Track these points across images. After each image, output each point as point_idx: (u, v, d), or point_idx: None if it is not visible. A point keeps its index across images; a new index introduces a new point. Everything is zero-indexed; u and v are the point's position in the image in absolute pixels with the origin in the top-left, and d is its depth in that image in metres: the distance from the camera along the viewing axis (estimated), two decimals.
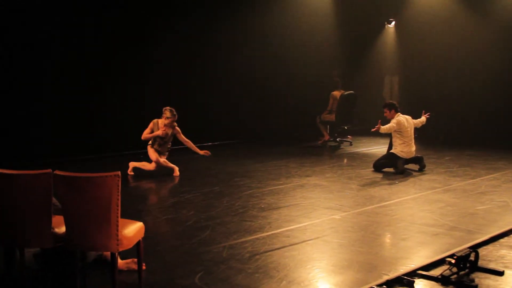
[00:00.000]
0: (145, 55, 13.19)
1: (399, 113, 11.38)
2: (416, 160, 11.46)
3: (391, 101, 12.16)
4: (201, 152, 10.47)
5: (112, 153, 12.61)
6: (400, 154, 11.23)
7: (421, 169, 11.36)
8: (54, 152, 11.43)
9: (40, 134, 11.56)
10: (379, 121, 11.10)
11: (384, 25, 18.91)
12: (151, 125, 10.35)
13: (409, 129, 11.33)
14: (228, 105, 15.07)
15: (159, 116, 10.36)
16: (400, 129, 11.21)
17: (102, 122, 12.55)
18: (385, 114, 11.54)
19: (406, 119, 11.35)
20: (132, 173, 10.59)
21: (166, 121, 10.20)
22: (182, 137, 10.52)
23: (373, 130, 10.95)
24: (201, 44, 14.28)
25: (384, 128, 11.02)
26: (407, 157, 11.30)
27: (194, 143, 10.79)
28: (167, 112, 10.14)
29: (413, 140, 11.43)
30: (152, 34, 13.28)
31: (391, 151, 11.43)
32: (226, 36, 14.84)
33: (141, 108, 13.13)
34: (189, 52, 14.06)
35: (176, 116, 10.26)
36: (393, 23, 18.70)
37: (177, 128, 10.45)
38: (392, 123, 11.18)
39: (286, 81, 16.46)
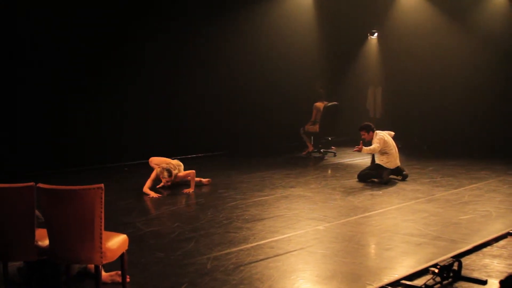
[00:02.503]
0: (126, 68, 13.16)
1: (376, 131, 11.46)
2: (398, 171, 11.50)
3: (366, 122, 12.06)
4: (190, 189, 10.26)
5: (96, 165, 12.57)
6: (386, 165, 11.28)
7: (404, 179, 11.41)
8: (37, 165, 11.39)
9: (23, 146, 11.50)
10: (361, 142, 11.19)
11: (367, 36, 18.99)
12: (154, 176, 10.12)
13: (390, 142, 11.40)
14: (212, 117, 15.06)
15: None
16: (384, 147, 11.29)
17: (85, 134, 12.51)
18: (362, 137, 11.62)
19: (384, 134, 11.44)
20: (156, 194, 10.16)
21: (164, 181, 10.13)
22: (188, 175, 10.40)
23: (354, 150, 11.08)
24: (184, 57, 14.28)
25: (367, 149, 11.14)
26: (392, 168, 11.35)
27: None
28: (164, 173, 10.01)
29: (397, 152, 11.50)
30: (134, 47, 13.28)
31: (377, 162, 11.48)
32: (209, 49, 14.86)
33: (124, 120, 13.14)
34: (172, 66, 14.05)
35: (173, 175, 10.12)
36: (376, 34, 18.79)
37: (179, 175, 10.34)
38: (376, 144, 11.25)
39: (269, 92, 16.46)
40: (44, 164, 11.58)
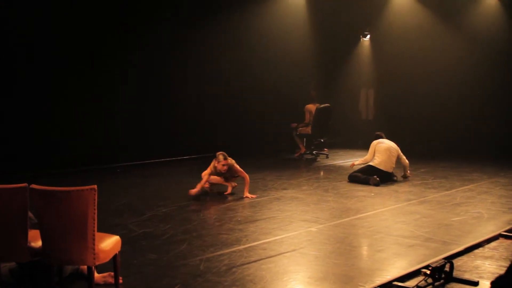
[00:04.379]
0: (120, 69, 13.15)
1: (378, 140, 11.81)
2: (389, 176, 11.54)
3: (377, 132, 12.32)
4: (247, 195, 9.96)
5: (89, 167, 12.54)
6: (377, 166, 11.34)
7: (395, 180, 11.51)
8: (30, 166, 11.36)
9: (16, 147, 11.47)
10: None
11: (359, 38, 19.01)
12: (211, 167, 9.98)
13: (382, 147, 11.52)
14: (204, 119, 15.06)
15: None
16: (376, 151, 11.62)
17: (78, 136, 12.49)
18: None
19: (380, 142, 11.77)
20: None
21: (220, 165, 9.84)
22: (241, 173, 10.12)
23: (351, 165, 11.90)
24: (177, 58, 14.27)
25: (359, 162, 11.81)
26: (384, 169, 11.39)
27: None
28: (220, 156, 9.83)
29: (392, 157, 11.53)
30: (129, 48, 13.25)
31: (370, 163, 11.54)
32: (203, 51, 14.86)
33: (118, 122, 13.12)
34: (165, 67, 14.04)
35: (228, 159, 9.93)
36: (368, 36, 18.82)
37: (235, 166, 10.06)
38: (368, 154, 11.73)
39: (262, 94, 16.46)
40: (37, 165, 11.54)
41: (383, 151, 11.52)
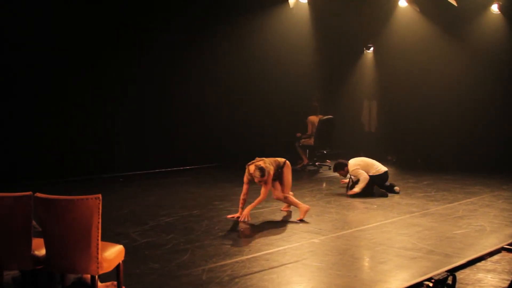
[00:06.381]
0: (122, 79, 13.18)
1: (349, 164, 11.57)
2: (390, 186, 11.55)
3: (337, 162, 12.03)
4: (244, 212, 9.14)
5: (91, 176, 12.54)
6: (376, 173, 11.36)
7: (395, 191, 11.50)
8: (32, 174, 11.37)
9: (19, 156, 11.48)
10: (346, 187, 11.61)
11: (363, 50, 19.04)
12: (246, 178, 9.18)
13: (364, 162, 11.59)
14: (207, 129, 15.07)
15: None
16: (365, 169, 11.43)
17: (81, 144, 12.50)
18: (340, 175, 12.02)
19: (356, 161, 11.62)
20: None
21: (256, 180, 9.03)
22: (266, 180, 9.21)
23: (348, 194, 11.32)
24: (179, 69, 14.28)
25: (358, 189, 11.23)
26: (382, 168, 11.44)
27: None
28: (256, 172, 8.91)
29: (370, 159, 11.62)
30: (129, 58, 13.26)
31: (369, 174, 11.56)
32: (205, 62, 14.87)
33: (119, 131, 13.13)
34: (167, 77, 14.06)
35: (266, 173, 8.97)
36: (372, 48, 18.85)
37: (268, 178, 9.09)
38: (361, 177, 11.28)
39: (265, 105, 16.47)
40: (39, 174, 11.54)
41: (363, 161, 11.59)
